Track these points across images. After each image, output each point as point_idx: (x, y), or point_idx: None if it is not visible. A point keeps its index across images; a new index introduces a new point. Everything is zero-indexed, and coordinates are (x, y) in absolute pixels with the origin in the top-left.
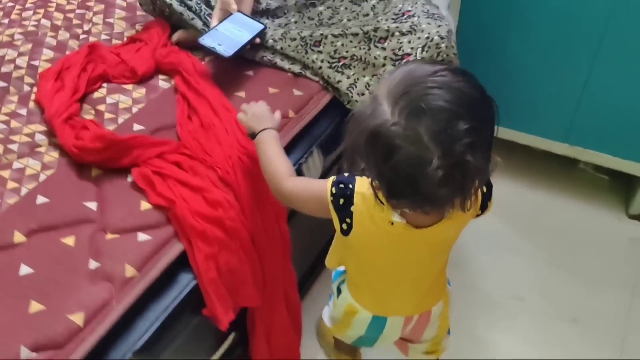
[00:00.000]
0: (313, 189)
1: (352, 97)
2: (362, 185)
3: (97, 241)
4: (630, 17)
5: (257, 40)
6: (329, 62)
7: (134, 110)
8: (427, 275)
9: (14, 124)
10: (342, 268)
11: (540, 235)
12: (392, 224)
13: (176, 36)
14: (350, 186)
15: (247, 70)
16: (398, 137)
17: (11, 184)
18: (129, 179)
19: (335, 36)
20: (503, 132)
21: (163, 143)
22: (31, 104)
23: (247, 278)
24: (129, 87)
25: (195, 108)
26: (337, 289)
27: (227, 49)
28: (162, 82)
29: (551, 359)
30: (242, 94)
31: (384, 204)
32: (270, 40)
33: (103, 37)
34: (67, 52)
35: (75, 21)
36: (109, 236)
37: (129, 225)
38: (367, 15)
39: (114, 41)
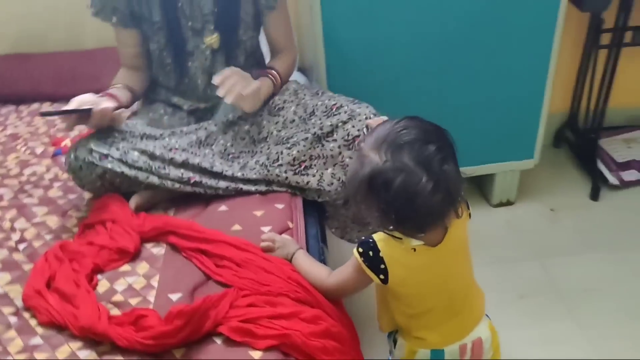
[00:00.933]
0: (347, 269)
1: (323, 189)
2: (379, 235)
3: None
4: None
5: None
6: (292, 170)
7: (154, 284)
8: (461, 284)
9: None
10: None
11: None
12: (415, 250)
13: (133, 203)
14: (371, 240)
15: (219, 206)
16: (391, 170)
17: None
18: (218, 342)
19: (289, 149)
20: None
21: (225, 294)
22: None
23: None
24: (127, 267)
25: (220, 253)
26: (393, 341)
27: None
28: (156, 250)
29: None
30: (237, 227)
31: (401, 238)
32: (230, 171)
33: (46, 237)
34: (23, 268)
35: None
36: None
37: None
38: (294, 121)
39: (64, 235)
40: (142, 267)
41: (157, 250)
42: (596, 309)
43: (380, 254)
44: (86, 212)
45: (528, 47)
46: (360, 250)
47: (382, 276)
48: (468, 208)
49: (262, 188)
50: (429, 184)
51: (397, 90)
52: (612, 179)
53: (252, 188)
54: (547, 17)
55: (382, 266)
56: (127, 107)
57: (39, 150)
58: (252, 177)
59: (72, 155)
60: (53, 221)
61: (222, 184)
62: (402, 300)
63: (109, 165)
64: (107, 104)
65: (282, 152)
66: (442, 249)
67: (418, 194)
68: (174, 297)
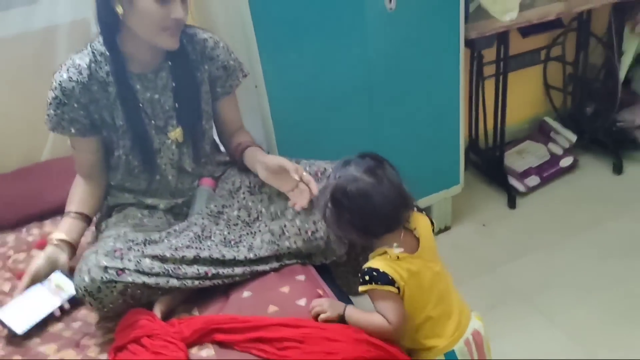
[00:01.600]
0: (381, 304)
1: (330, 248)
2: (369, 262)
3: None
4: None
5: (65, 306)
6: (301, 239)
7: None
8: (445, 286)
9: None
10: None
11: None
12: (398, 257)
13: (158, 312)
14: (366, 269)
15: (241, 293)
16: (345, 182)
17: None
18: None
19: (290, 220)
20: None
21: None
22: None
23: None
24: None
25: (277, 336)
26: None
27: (21, 324)
28: (205, 352)
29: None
30: (274, 308)
31: (385, 252)
32: (241, 255)
33: None
34: None
35: None
36: None
37: None
38: (279, 194)
39: None
40: None
41: (206, 352)
42: (560, 300)
43: (381, 270)
44: (103, 336)
45: (440, 88)
46: (367, 278)
47: (394, 288)
48: (431, 220)
49: (275, 265)
50: (379, 184)
51: (337, 138)
52: (520, 187)
53: (267, 267)
54: (452, 59)
55: (390, 277)
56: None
57: (6, 288)
58: (264, 255)
59: (85, 279)
60: (70, 355)
61: (238, 270)
62: (410, 305)
63: (130, 279)
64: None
65: (285, 226)
66: (422, 256)
67: (371, 193)
68: None
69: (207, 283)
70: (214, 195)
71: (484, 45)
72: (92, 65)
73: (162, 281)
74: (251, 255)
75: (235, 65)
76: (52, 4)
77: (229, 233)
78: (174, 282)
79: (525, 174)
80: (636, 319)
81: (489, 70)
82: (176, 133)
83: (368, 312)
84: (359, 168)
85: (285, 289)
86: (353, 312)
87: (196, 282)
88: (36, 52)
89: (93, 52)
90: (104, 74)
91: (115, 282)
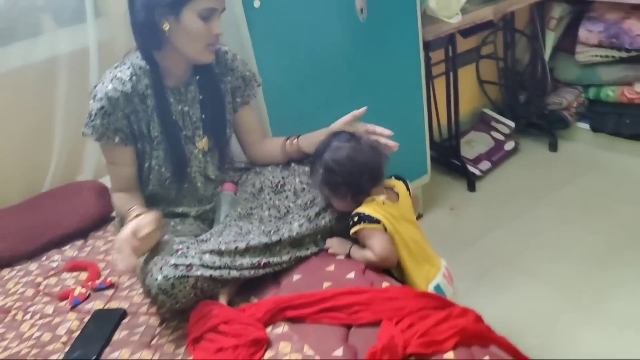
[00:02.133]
0: (370, 240)
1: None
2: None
3: None
4: None
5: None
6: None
7: (309, 353)
8: (421, 236)
9: None
10: None
11: None
12: (384, 203)
13: (224, 301)
14: (355, 212)
15: (292, 277)
16: (333, 152)
17: None
18: None
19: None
20: None
21: (387, 327)
22: None
23: None
24: (271, 353)
25: (346, 303)
26: None
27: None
28: (279, 330)
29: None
30: (328, 283)
31: (373, 199)
32: (286, 235)
33: None
34: None
35: None
36: None
37: None
38: (304, 189)
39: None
40: (284, 346)
41: (280, 329)
42: (537, 260)
43: (366, 213)
44: (172, 334)
45: (405, 87)
46: (356, 219)
47: (380, 224)
48: (407, 184)
49: (315, 249)
50: (358, 145)
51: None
52: (476, 172)
53: (308, 252)
54: (414, 60)
55: (375, 217)
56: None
57: (49, 310)
58: (305, 233)
59: (158, 278)
60: (147, 356)
61: (285, 257)
62: (398, 242)
63: (199, 273)
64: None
65: (320, 213)
66: (401, 206)
67: (355, 154)
68: (338, 353)
69: (261, 272)
70: (237, 199)
71: (439, 45)
72: (133, 78)
73: (224, 273)
74: (294, 234)
75: (250, 76)
76: (52, 36)
77: (265, 227)
78: (234, 273)
79: (477, 160)
80: (607, 263)
81: (437, 70)
82: (203, 143)
83: (364, 250)
84: (339, 140)
85: (331, 268)
86: (355, 251)
87: (252, 272)
88: (37, 85)
89: (133, 66)
90: (143, 86)
91: (187, 277)
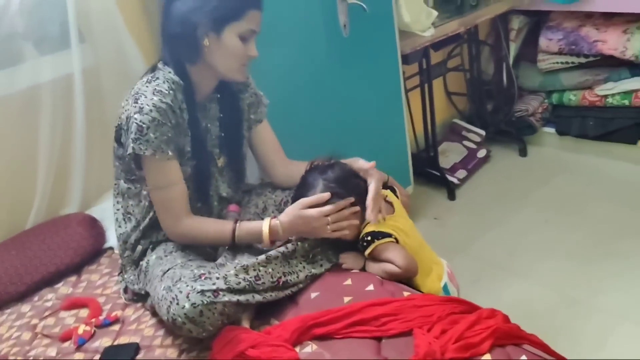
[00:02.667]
0: (388, 255)
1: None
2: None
3: None
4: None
5: None
6: None
7: None
8: (422, 243)
9: None
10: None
11: None
12: (384, 219)
13: (247, 325)
14: (364, 234)
15: (310, 295)
16: (325, 171)
17: None
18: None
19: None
20: None
21: (419, 336)
22: None
23: None
24: None
25: (373, 315)
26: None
27: None
28: (307, 349)
29: None
30: (350, 297)
31: None
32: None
33: None
34: None
35: None
36: None
37: None
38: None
39: None
40: None
41: (309, 349)
42: (526, 261)
43: (376, 230)
44: None
45: (386, 99)
46: (369, 239)
47: (392, 238)
48: (393, 190)
49: (328, 265)
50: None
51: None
52: (454, 180)
53: (322, 269)
54: (394, 73)
55: (385, 232)
56: None
57: (52, 353)
58: (315, 244)
59: (185, 306)
60: None
61: (302, 275)
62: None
63: (226, 298)
64: None
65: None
66: (399, 215)
67: (347, 169)
68: None
69: (280, 294)
70: (242, 219)
71: (416, 58)
72: (171, 92)
73: (249, 297)
74: (306, 246)
75: (259, 94)
76: (34, 64)
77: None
78: (257, 297)
79: (454, 169)
80: (592, 258)
81: (410, 84)
82: (221, 161)
83: (382, 263)
84: (317, 170)
85: (349, 282)
86: (372, 265)
87: (273, 294)
88: (20, 114)
89: (167, 80)
90: (179, 101)
91: (215, 303)
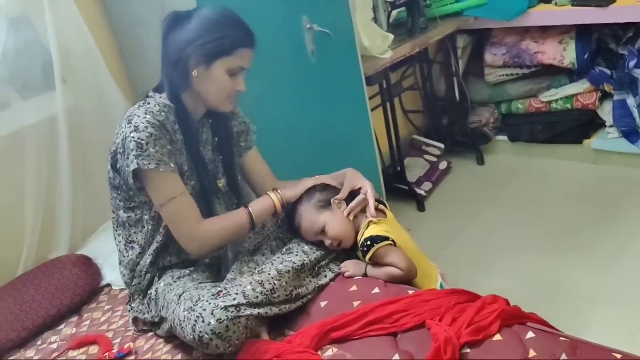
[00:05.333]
0: (391, 257)
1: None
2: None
3: None
4: None
5: None
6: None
7: None
8: (415, 247)
9: None
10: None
11: None
12: (379, 220)
13: (266, 337)
14: (362, 239)
15: (320, 304)
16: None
17: None
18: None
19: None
20: None
21: (434, 326)
22: None
23: None
24: None
25: (386, 313)
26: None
27: None
28: (327, 353)
29: None
30: (359, 301)
31: (370, 221)
32: (307, 260)
33: None
34: None
35: None
36: None
37: None
38: None
39: None
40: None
41: (330, 352)
42: (501, 259)
43: (374, 234)
44: None
45: (354, 120)
46: (368, 243)
47: (389, 241)
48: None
49: (331, 275)
50: None
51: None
52: (422, 192)
53: (327, 280)
54: (359, 95)
55: (382, 236)
56: None
57: None
58: (321, 253)
59: (211, 322)
60: None
61: (310, 287)
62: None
63: (248, 312)
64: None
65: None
66: (389, 222)
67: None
68: (396, 358)
69: (293, 306)
70: (241, 241)
71: (378, 79)
72: (162, 113)
73: (267, 310)
74: (312, 259)
75: (247, 122)
76: (18, 108)
77: (277, 249)
78: (274, 310)
79: (419, 182)
80: (557, 250)
81: (371, 103)
82: (222, 182)
83: (384, 267)
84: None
85: (354, 288)
86: (372, 270)
87: (287, 307)
88: (5, 159)
89: (158, 104)
90: (171, 122)
91: (239, 317)
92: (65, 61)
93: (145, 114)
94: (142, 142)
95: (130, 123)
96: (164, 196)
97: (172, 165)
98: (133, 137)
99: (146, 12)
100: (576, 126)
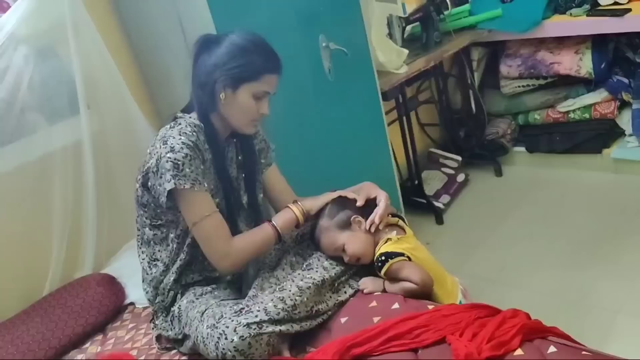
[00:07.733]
0: (405, 272)
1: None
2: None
3: None
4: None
5: None
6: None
7: None
8: (436, 264)
9: None
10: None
11: None
12: (398, 239)
13: (287, 353)
14: (377, 255)
15: (340, 321)
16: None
17: None
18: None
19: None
20: None
21: (453, 341)
22: None
23: None
24: None
25: (406, 329)
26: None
27: None
28: None
29: None
30: (379, 317)
31: (390, 238)
32: (327, 276)
33: None
34: None
35: None
36: None
37: None
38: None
39: None
40: None
41: None
42: (517, 273)
43: (389, 251)
44: None
45: (372, 135)
46: (383, 259)
47: (404, 257)
48: (403, 219)
49: (351, 291)
50: None
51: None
52: (440, 206)
53: (347, 296)
54: (376, 110)
55: (398, 252)
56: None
57: None
58: (340, 269)
59: (234, 339)
60: None
61: (330, 303)
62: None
63: (270, 329)
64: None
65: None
66: (409, 239)
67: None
68: None
69: (314, 323)
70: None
71: (394, 94)
72: (194, 133)
73: (289, 327)
74: (332, 274)
75: (267, 140)
76: (45, 133)
77: (297, 265)
78: (296, 327)
79: (437, 195)
80: (579, 263)
81: (388, 118)
82: (245, 199)
83: (400, 282)
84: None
85: (374, 303)
86: (390, 285)
87: (308, 323)
88: (33, 183)
89: (189, 124)
90: (201, 142)
91: (261, 334)
92: (90, 88)
93: (180, 135)
94: (179, 162)
95: (166, 144)
96: (197, 215)
97: (206, 185)
98: (169, 158)
99: (168, 35)
100: (595, 136)
